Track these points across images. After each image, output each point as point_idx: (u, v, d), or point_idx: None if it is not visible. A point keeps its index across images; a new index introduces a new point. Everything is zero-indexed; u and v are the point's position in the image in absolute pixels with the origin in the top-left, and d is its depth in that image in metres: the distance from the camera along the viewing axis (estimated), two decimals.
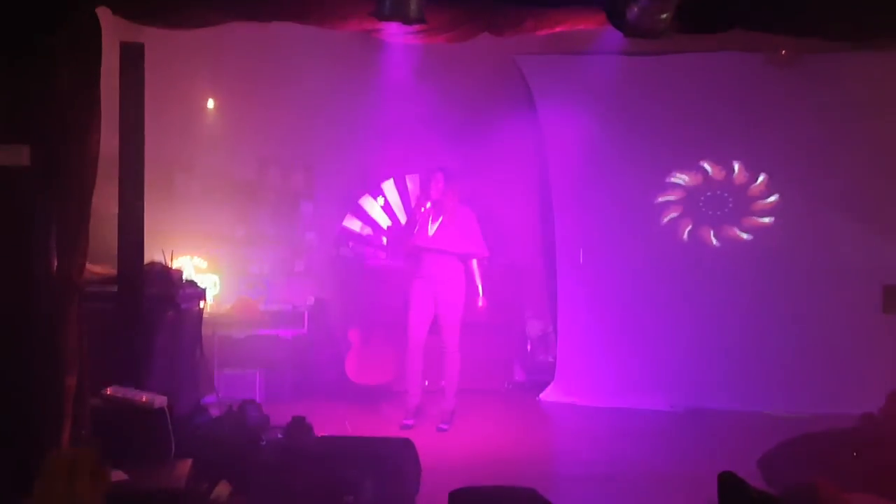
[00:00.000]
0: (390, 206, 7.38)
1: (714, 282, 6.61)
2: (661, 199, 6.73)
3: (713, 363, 6.48)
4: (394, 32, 3.71)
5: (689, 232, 6.73)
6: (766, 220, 6.64)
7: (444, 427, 5.64)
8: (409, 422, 5.64)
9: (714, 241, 6.70)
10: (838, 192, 6.46)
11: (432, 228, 5.65)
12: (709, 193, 6.74)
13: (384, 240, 7.33)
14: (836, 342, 6.33)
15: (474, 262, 5.76)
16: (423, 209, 5.66)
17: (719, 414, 6.20)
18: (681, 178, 6.72)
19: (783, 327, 6.43)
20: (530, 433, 5.83)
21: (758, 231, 6.67)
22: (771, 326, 6.46)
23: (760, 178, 6.63)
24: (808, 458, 3.92)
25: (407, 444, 4.17)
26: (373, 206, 7.38)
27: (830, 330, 6.35)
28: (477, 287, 5.73)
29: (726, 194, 6.73)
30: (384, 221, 7.37)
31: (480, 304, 5.75)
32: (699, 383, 6.46)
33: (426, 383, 5.91)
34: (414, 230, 5.70)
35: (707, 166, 6.71)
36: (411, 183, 7.28)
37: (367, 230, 7.36)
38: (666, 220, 6.73)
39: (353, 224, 7.37)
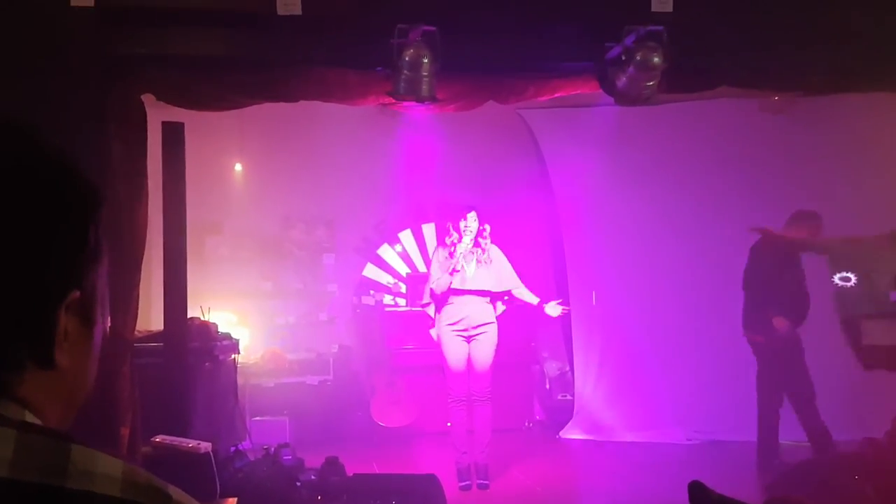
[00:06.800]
0: (408, 255, 7.73)
1: (723, 317, 6.80)
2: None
3: (727, 396, 6.61)
4: (408, 106, 4.04)
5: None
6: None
7: (485, 483, 5.34)
8: (467, 482, 5.31)
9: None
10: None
11: (470, 270, 5.20)
12: (715, 231, 7.04)
13: (403, 287, 7.66)
14: (851, 371, 6.50)
15: (521, 290, 5.39)
16: (454, 250, 5.15)
17: (735, 444, 6.35)
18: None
19: None
20: (552, 469, 6.03)
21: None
22: None
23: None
24: (810, 481, 4.13)
25: (432, 479, 4.44)
26: (391, 255, 7.73)
27: (845, 359, 6.54)
28: (542, 306, 5.36)
29: (729, 231, 7.01)
30: (402, 269, 7.71)
31: (559, 304, 5.39)
32: (714, 416, 6.63)
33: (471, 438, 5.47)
34: (443, 273, 5.17)
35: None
36: (427, 231, 7.64)
37: (387, 278, 7.70)
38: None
39: (373, 273, 7.72)
